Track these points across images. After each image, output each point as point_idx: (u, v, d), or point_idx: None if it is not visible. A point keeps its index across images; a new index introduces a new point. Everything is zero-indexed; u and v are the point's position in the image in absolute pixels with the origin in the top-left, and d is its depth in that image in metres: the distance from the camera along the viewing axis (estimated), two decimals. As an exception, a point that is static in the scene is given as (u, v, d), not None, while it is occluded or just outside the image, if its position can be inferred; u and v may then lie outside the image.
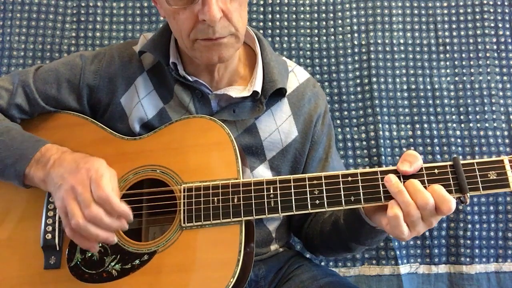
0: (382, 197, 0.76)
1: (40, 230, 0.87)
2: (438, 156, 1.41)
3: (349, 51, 1.47)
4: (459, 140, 1.42)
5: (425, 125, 1.43)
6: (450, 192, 0.73)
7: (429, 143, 1.42)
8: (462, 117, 1.43)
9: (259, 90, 0.95)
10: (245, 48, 1.02)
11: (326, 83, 1.46)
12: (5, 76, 0.99)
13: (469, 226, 1.38)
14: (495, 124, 1.41)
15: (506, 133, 1.41)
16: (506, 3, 1.48)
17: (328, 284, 0.93)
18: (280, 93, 0.98)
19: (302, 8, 1.50)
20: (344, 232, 0.90)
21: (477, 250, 1.37)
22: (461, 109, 1.44)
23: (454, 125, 1.43)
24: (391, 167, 0.77)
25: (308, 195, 0.79)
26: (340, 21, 1.49)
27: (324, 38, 1.49)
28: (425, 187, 0.73)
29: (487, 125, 1.42)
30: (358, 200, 0.77)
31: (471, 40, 1.47)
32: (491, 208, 1.39)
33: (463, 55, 1.46)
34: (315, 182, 0.80)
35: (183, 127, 0.91)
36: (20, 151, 0.85)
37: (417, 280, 1.38)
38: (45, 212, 0.88)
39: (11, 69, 1.43)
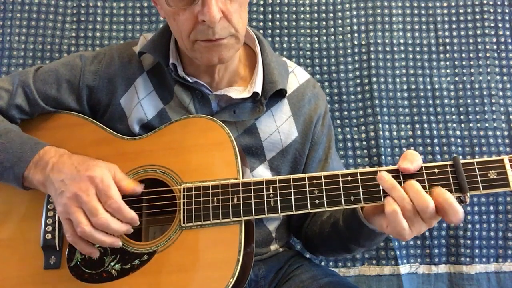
0: (382, 196, 0.76)
1: (40, 230, 0.87)
2: (438, 156, 1.41)
3: (349, 51, 1.47)
4: (459, 140, 1.42)
5: (425, 125, 1.43)
6: (450, 191, 0.72)
7: (429, 143, 1.42)
8: (462, 117, 1.43)
9: (259, 91, 0.95)
10: (245, 49, 1.02)
11: (326, 83, 1.46)
12: (5, 77, 0.99)
13: (469, 226, 1.38)
14: (495, 124, 1.41)
15: (506, 133, 1.41)
16: (506, 3, 1.48)
17: (328, 284, 0.93)
18: (280, 94, 0.98)
19: (302, 8, 1.50)
20: (344, 233, 0.90)
21: (477, 250, 1.37)
22: (461, 109, 1.44)
23: (454, 125, 1.43)
24: (391, 167, 0.77)
25: (308, 195, 0.79)
26: (340, 21, 1.49)
27: (324, 38, 1.49)
28: (424, 186, 0.73)
29: (487, 125, 1.42)
30: (358, 200, 0.77)
31: (471, 40, 1.47)
32: (491, 208, 1.39)
33: (463, 55, 1.46)
34: (314, 182, 0.79)
35: (183, 127, 0.91)
36: (18, 154, 0.85)
37: (417, 280, 1.38)
38: (45, 212, 0.89)
39: (11, 69, 1.43)
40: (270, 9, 1.50)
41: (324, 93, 1.11)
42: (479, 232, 1.38)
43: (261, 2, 1.50)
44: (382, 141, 1.41)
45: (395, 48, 1.47)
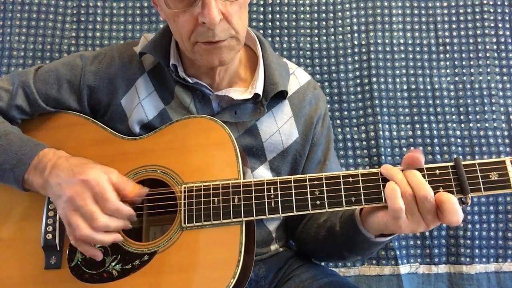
0: (383, 197, 0.76)
1: (40, 230, 0.87)
2: (438, 156, 1.41)
3: (349, 51, 1.47)
4: (459, 140, 1.42)
5: (425, 125, 1.43)
6: (451, 192, 0.73)
7: (429, 143, 1.42)
8: (462, 117, 1.43)
9: (261, 93, 0.95)
10: (246, 50, 1.02)
11: (326, 83, 1.46)
12: (5, 77, 0.99)
13: (469, 226, 1.38)
14: (495, 124, 1.41)
15: (506, 133, 1.41)
16: (506, 3, 1.48)
17: (328, 284, 0.93)
18: (281, 95, 0.98)
19: (302, 8, 1.50)
20: (339, 239, 0.90)
21: (477, 250, 1.38)
22: (461, 109, 1.44)
23: (454, 125, 1.43)
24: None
25: (309, 196, 0.79)
26: (340, 21, 1.49)
27: (324, 38, 1.49)
28: None
29: (487, 125, 1.42)
30: (359, 200, 0.77)
31: (471, 40, 1.47)
32: (491, 208, 1.39)
33: (463, 55, 1.46)
34: (315, 182, 0.79)
35: (184, 127, 0.91)
36: (18, 157, 0.84)
37: (417, 280, 1.38)
38: (45, 212, 0.88)
39: (11, 69, 1.43)
40: (270, 9, 1.50)
41: (324, 95, 1.11)
42: (479, 232, 1.38)
43: (261, 2, 1.50)
44: (382, 141, 1.41)
45: (395, 48, 1.47)
